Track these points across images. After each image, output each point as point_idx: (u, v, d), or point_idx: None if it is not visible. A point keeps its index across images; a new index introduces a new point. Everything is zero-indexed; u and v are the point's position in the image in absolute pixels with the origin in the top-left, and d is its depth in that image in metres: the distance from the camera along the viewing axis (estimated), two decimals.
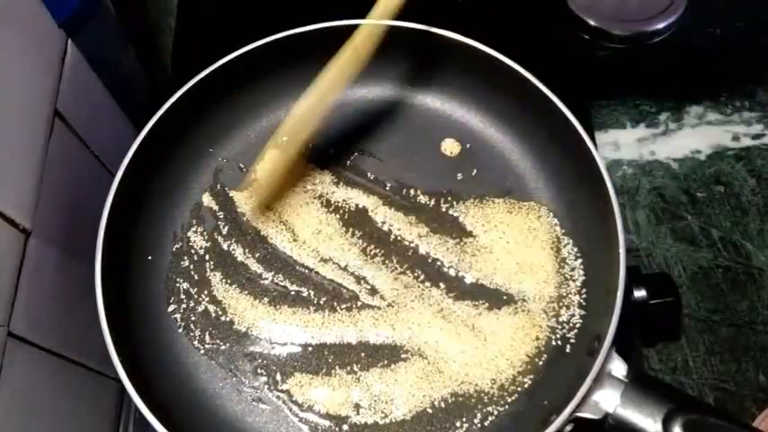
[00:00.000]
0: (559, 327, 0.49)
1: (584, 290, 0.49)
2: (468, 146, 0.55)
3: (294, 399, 0.48)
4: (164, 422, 0.42)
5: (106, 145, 0.55)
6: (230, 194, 0.54)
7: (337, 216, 0.53)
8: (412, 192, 0.54)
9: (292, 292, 0.51)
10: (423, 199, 0.53)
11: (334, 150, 0.55)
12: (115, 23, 0.62)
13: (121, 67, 0.65)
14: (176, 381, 0.48)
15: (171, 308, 0.51)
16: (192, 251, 0.53)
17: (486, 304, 0.50)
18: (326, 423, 0.47)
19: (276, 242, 0.52)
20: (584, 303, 0.49)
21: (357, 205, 0.53)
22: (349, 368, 0.48)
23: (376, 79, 0.57)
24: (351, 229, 0.53)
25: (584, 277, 0.50)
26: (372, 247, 0.52)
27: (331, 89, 0.49)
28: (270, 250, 0.52)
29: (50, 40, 0.49)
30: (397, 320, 0.49)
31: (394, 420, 0.47)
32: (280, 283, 0.51)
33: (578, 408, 0.41)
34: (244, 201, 0.54)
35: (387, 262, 0.51)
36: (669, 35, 0.73)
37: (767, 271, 0.61)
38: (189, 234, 0.53)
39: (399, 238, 0.52)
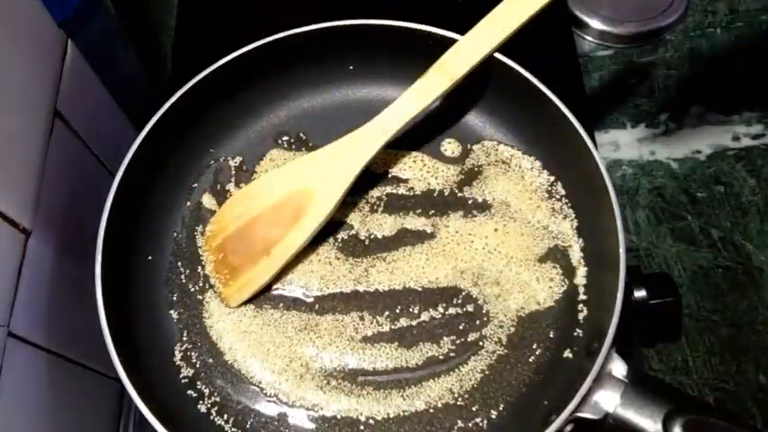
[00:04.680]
0: (559, 326, 0.49)
1: (584, 290, 0.49)
2: (468, 146, 0.55)
3: (291, 401, 0.48)
4: (164, 422, 0.42)
5: (106, 145, 0.55)
6: (230, 194, 0.54)
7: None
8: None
9: (290, 294, 0.51)
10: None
11: None
12: (115, 23, 0.62)
13: (121, 67, 0.65)
14: (176, 381, 0.48)
15: (171, 308, 0.51)
16: (193, 251, 0.53)
17: None
18: (325, 426, 0.47)
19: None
20: (584, 303, 0.49)
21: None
22: (346, 371, 0.48)
23: (376, 79, 0.57)
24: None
25: (584, 277, 0.50)
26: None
27: None
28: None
29: (50, 40, 0.49)
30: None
31: (393, 418, 0.47)
32: (279, 285, 0.51)
33: (578, 408, 0.41)
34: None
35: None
36: (669, 35, 0.73)
37: (767, 271, 0.62)
38: (189, 234, 0.53)
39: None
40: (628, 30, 0.72)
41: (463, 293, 0.50)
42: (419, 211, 0.53)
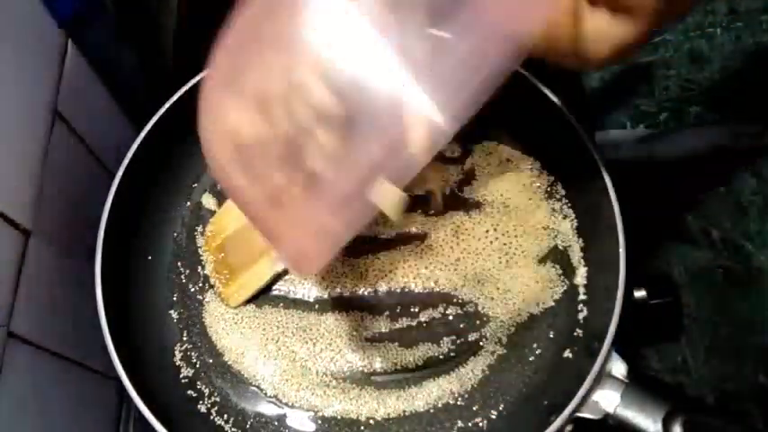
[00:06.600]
0: (559, 327, 0.49)
1: (584, 290, 0.49)
2: (468, 146, 0.55)
3: (291, 402, 0.48)
4: (164, 422, 0.42)
5: (106, 145, 0.55)
6: None
7: None
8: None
9: (290, 294, 0.51)
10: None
11: None
12: (115, 23, 0.62)
13: (121, 67, 0.65)
14: (177, 381, 0.48)
15: (171, 308, 0.51)
16: (193, 251, 0.53)
17: None
18: (325, 426, 0.47)
19: None
20: (584, 303, 0.49)
21: None
22: (346, 371, 0.48)
23: None
24: None
25: (584, 277, 0.50)
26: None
27: None
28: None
29: (50, 40, 0.49)
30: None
31: (393, 418, 0.47)
32: (279, 285, 0.51)
33: (578, 408, 0.41)
34: None
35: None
36: (669, 35, 0.73)
37: (767, 271, 0.61)
38: (189, 234, 0.53)
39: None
40: None
41: (463, 293, 0.50)
42: (419, 210, 0.53)
